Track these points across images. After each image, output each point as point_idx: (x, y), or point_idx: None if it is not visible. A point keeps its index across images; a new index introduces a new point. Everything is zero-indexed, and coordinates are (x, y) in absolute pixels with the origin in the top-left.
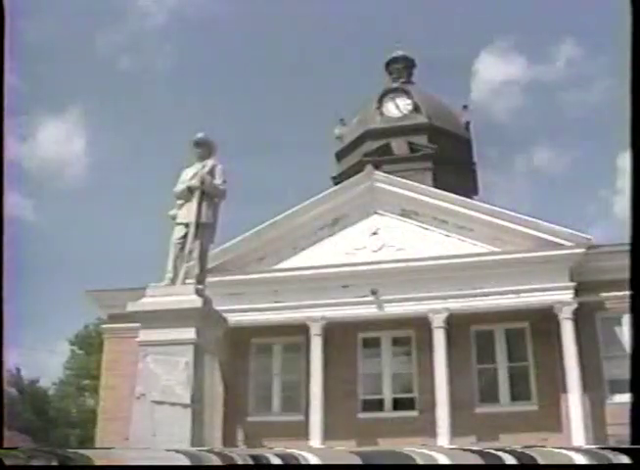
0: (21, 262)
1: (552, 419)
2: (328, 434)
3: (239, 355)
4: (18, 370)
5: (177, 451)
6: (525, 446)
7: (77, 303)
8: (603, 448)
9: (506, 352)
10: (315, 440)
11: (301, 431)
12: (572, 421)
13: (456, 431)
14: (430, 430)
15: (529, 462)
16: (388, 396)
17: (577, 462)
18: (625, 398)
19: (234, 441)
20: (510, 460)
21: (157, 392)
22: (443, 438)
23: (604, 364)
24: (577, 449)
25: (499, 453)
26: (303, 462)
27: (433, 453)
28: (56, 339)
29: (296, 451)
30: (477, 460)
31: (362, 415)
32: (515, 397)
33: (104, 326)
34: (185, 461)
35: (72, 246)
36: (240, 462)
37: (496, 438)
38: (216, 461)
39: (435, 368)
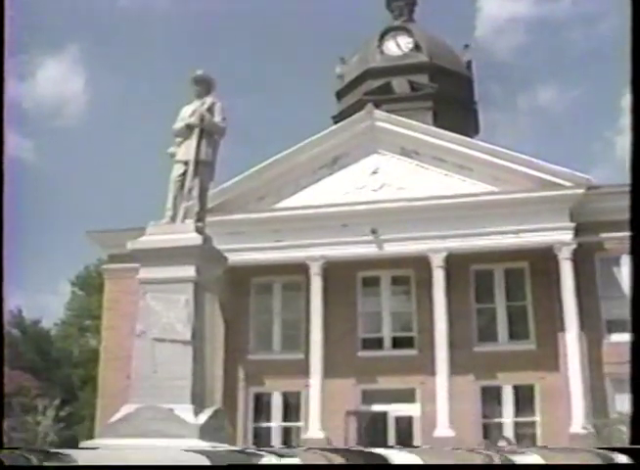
0: (20, 203)
1: (549, 358)
2: (328, 372)
3: (239, 295)
4: (19, 311)
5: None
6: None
7: (78, 243)
8: (603, 449)
9: (505, 292)
10: (315, 378)
11: (302, 369)
12: (570, 360)
13: (455, 369)
14: (428, 368)
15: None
16: (387, 334)
17: (577, 462)
18: (622, 337)
19: (235, 379)
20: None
21: (157, 329)
22: (442, 376)
23: (602, 304)
24: (577, 449)
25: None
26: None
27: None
28: (57, 280)
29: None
30: (477, 460)
31: (362, 353)
32: (513, 336)
33: (104, 267)
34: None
35: (73, 185)
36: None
37: (494, 376)
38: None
39: (435, 307)
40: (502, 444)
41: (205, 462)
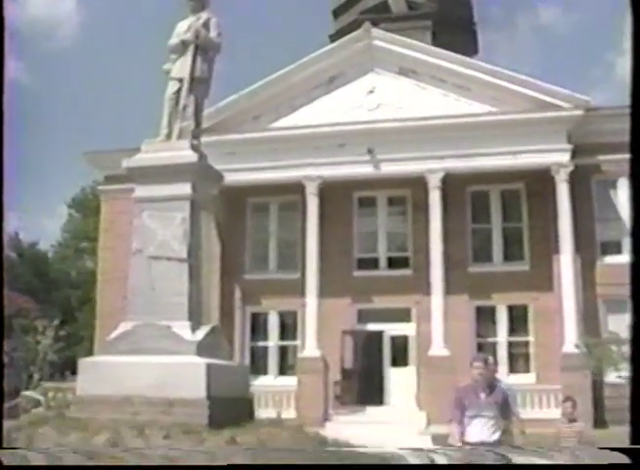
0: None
1: (543, 279)
2: (323, 291)
3: (235, 215)
4: (16, 234)
5: None
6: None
7: (74, 165)
8: (603, 449)
9: (501, 213)
10: (311, 297)
11: (297, 289)
12: (563, 281)
13: (450, 289)
14: (423, 288)
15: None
16: (382, 254)
17: (577, 462)
18: (616, 259)
19: (231, 299)
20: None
21: (153, 247)
22: (437, 296)
23: (597, 226)
24: (578, 450)
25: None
26: None
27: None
28: (53, 202)
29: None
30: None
31: (357, 273)
32: (508, 257)
33: (100, 188)
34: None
35: (68, 107)
36: None
37: (488, 297)
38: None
39: (430, 228)
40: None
41: (203, 375)
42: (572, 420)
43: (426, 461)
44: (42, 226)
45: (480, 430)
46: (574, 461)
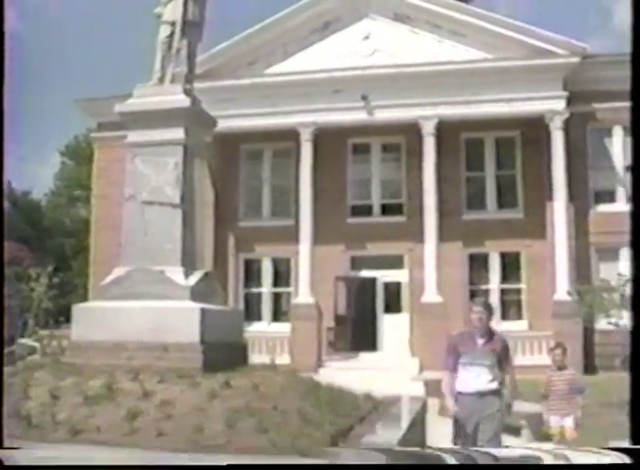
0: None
1: (537, 227)
2: (317, 238)
3: (229, 162)
4: (9, 183)
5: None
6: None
7: (67, 113)
8: (603, 449)
9: (495, 161)
10: (305, 244)
11: (291, 236)
12: (556, 229)
13: (443, 236)
14: (417, 235)
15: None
16: (376, 201)
17: (577, 462)
18: (609, 207)
19: (225, 246)
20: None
21: (146, 192)
22: (430, 243)
23: (590, 175)
24: (578, 449)
25: (502, 450)
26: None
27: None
28: (46, 150)
29: None
30: (477, 459)
31: (351, 220)
32: (501, 204)
33: (93, 135)
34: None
35: (59, 54)
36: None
37: (482, 244)
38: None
39: (424, 175)
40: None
41: (197, 320)
42: (563, 367)
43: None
44: (34, 174)
45: (476, 379)
46: (575, 461)
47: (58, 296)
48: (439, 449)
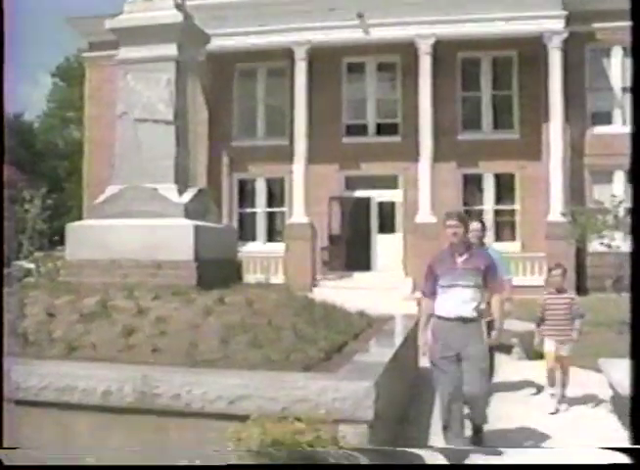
0: None
1: (532, 148)
2: (311, 158)
3: (222, 81)
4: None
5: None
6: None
7: (57, 33)
8: (603, 449)
9: (491, 81)
10: (299, 164)
11: (286, 155)
12: (552, 150)
13: (437, 157)
14: (412, 155)
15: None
16: (371, 121)
17: (577, 462)
18: (605, 129)
19: (219, 166)
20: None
21: (138, 110)
22: (425, 163)
23: (588, 96)
24: (577, 449)
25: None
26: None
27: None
28: (37, 72)
29: None
30: (475, 458)
31: (346, 139)
32: (497, 125)
33: (85, 55)
34: None
35: None
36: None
37: (476, 164)
38: None
39: (420, 95)
40: (476, 225)
41: (191, 237)
42: (561, 290)
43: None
44: (26, 96)
45: (456, 302)
46: (574, 461)
47: (52, 217)
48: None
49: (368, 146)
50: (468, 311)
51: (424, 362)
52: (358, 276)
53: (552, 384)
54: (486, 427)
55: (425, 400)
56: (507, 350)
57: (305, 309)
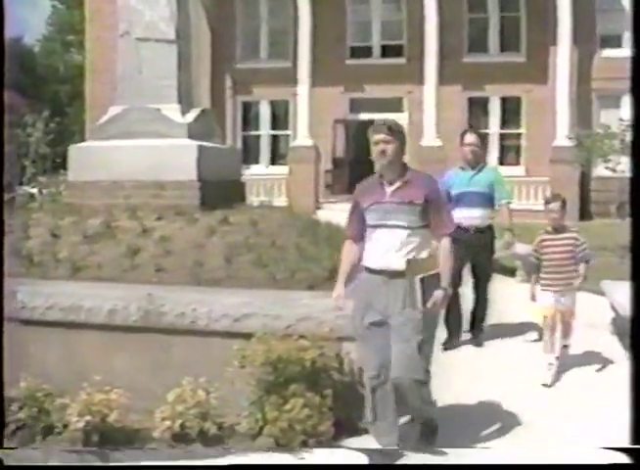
0: None
1: (539, 71)
2: (316, 80)
3: (225, 2)
4: None
5: None
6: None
7: None
8: (603, 449)
9: (498, 2)
10: (303, 86)
11: (289, 77)
12: (559, 74)
13: (443, 79)
14: (417, 78)
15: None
16: (376, 43)
17: (577, 462)
18: (614, 53)
19: (222, 88)
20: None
21: (140, 29)
22: (430, 86)
23: (598, 18)
24: (577, 449)
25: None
26: None
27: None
28: None
29: None
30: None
31: (350, 61)
32: (504, 47)
33: None
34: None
35: None
36: None
37: (482, 88)
38: None
39: (426, 16)
40: (472, 138)
41: (194, 157)
42: (560, 229)
43: None
44: (24, 19)
45: (381, 249)
46: (574, 461)
47: (55, 142)
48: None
49: (373, 68)
50: (396, 262)
51: None
52: None
53: (550, 350)
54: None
55: None
56: (511, 272)
57: (309, 230)
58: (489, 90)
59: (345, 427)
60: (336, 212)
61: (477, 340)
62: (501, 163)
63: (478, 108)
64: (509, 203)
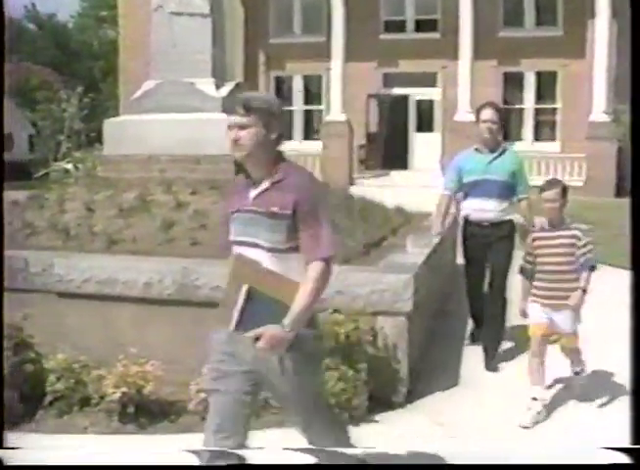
0: None
1: (576, 45)
2: (349, 55)
3: None
4: (33, 5)
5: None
6: None
7: None
8: (603, 449)
9: None
10: (336, 61)
11: (323, 52)
12: (596, 48)
13: (477, 54)
14: (451, 52)
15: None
16: (410, 17)
17: (577, 462)
18: None
19: (255, 64)
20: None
21: (174, 3)
22: (464, 61)
23: None
24: (577, 449)
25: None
26: None
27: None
28: None
29: None
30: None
31: (384, 36)
32: (540, 21)
33: None
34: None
35: None
36: None
37: (517, 62)
38: None
39: None
40: (489, 114)
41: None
42: (557, 224)
43: None
44: None
45: None
46: (574, 461)
47: (89, 117)
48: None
49: (407, 43)
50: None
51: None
52: (395, 175)
53: (538, 382)
54: None
55: (462, 298)
56: None
57: (343, 204)
58: (525, 65)
59: (379, 401)
60: (369, 188)
61: (490, 362)
62: (536, 138)
63: (513, 83)
64: (527, 198)
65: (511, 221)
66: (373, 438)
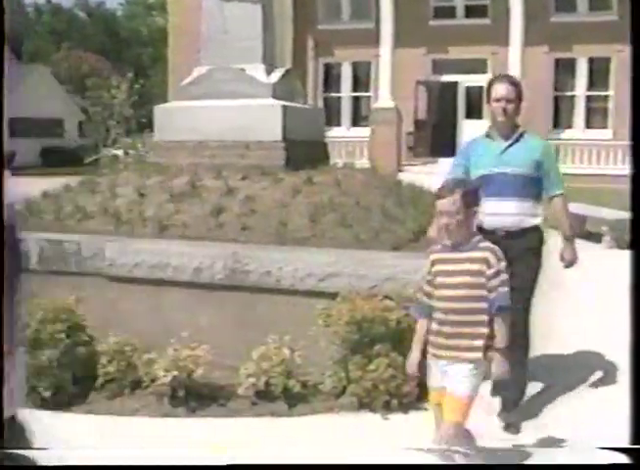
0: None
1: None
2: (398, 41)
3: None
4: None
5: None
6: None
7: None
8: (603, 449)
9: None
10: (385, 47)
11: (371, 39)
12: None
13: (528, 40)
14: (501, 38)
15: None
16: (460, 2)
17: (577, 462)
18: None
19: (304, 50)
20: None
21: None
22: (515, 47)
23: None
24: (577, 449)
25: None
26: None
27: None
28: None
29: None
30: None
31: (433, 22)
32: (593, 6)
33: None
34: None
35: None
36: None
37: (569, 48)
38: None
39: None
40: (504, 89)
41: (279, 117)
42: (458, 243)
43: None
44: None
45: None
46: (574, 461)
47: (138, 103)
48: None
49: (456, 29)
50: None
51: None
52: (444, 162)
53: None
54: None
55: None
56: (597, 238)
57: (393, 191)
58: (577, 51)
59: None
60: (417, 175)
61: (511, 423)
62: (588, 126)
63: (565, 69)
64: (562, 195)
65: (537, 228)
66: (422, 426)
